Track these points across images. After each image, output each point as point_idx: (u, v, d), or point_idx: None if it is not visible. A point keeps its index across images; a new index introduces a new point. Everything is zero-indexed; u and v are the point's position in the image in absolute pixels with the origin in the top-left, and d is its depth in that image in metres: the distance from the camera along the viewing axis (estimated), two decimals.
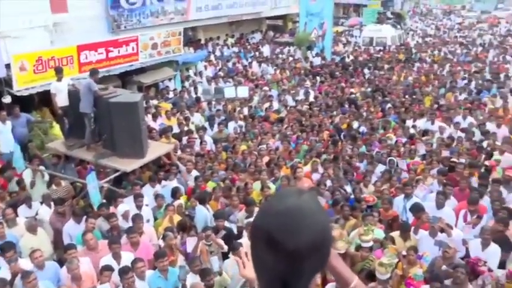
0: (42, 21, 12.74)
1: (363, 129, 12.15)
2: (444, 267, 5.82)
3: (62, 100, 9.08)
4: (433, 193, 7.79)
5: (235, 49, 22.87)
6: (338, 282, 1.57)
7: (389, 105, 13.94)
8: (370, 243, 6.26)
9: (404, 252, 5.98)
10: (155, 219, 7.79)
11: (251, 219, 6.24)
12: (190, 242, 6.63)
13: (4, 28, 11.47)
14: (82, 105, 8.50)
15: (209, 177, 8.98)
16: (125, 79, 14.66)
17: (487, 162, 9.10)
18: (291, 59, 21.50)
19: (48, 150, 9.87)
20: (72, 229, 7.10)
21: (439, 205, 7.29)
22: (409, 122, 12.20)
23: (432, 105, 14.07)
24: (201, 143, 10.84)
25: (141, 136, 8.59)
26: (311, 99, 15.11)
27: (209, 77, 17.22)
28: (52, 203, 7.71)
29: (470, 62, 20.89)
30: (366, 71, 19.63)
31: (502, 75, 17.53)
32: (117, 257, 6.18)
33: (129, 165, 8.60)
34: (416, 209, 7.07)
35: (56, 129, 10.64)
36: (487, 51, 23.27)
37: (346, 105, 14.24)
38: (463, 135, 10.93)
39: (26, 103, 11.24)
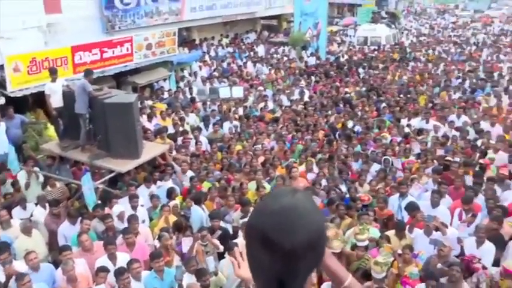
0: (36, 21, 12.68)
1: (357, 128, 12.18)
2: (439, 265, 5.84)
3: (56, 101, 9.04)
4: (428, 192, 7.83)
5: (230, 49, 22.85)
6: (333, 281, 1.57)
7: (384, 104, 13.99)
8: (366, 242, 6.27)
9: (399, 251, 6.00)
10: (151, 219, 7.78)
11: (246, 219, 6.24)
12: (186, 243, 6.62)
13: None
14: (77, 106, 8.47)
15: (204, 177, 8.98)
16: (119, 80, 14.61)
17: (481, 161, 9.15)
18: (285, 58, 21.50)
19: (43, 151, 9.82)
20: (67, 230, 7.06)
21: (434, 204, 7.33)
22: (404, 121, 12.25)
23: (427, 104, 14.14)
24: (196, 143, 10.81)
25: (136, 137, 8.57)
26: (306, 99, 15.12)
27: (204, 77, 17.19)
28: (47, 205, 7.68)
29: (464, 61, 21.00)
30: (360, 70, 19.67)
31: (495, 74, 17.64)
32: (112, 258, 6.16)
33: (124, 166, 8.58)
34: (412, 208, 7.10)
35: (51, 130, 10.59)
36: (480, 50, 23.40)
37: (341, 105, 14.27)
38: (457, 134, 11.00)
39: (20, 104, 11.19)
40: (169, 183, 8.58)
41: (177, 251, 6.67)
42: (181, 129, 11.50)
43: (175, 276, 5.85)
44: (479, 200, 7.56)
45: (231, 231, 7.34)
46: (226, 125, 12.25)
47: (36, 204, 7.86)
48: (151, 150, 9.27)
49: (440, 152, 9.92)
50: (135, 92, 13.06)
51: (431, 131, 11.39)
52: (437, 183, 8.12)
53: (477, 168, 8.87)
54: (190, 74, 17.88)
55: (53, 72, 9.25)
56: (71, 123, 9.01)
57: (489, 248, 6.22)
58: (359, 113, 13.32)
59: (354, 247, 6.31)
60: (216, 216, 7.19)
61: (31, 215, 7.58)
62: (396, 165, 9.58)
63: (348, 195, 8.29)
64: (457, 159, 9.20)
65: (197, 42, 22.63)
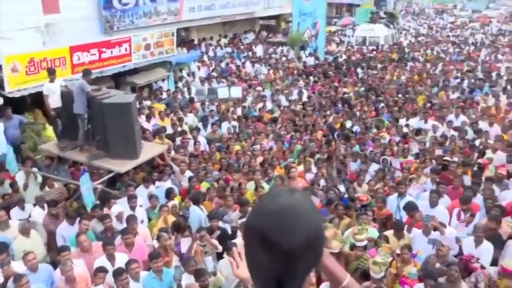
0: (34, 22, 12.67)
1: (356, 128, 12.19)
2: (438, 265, 5.84)
3: (54, 101, 9.03)
4: (427, 192, 7.83)
5: (229, 49, 22.86)
6: (331, 281, 1.57)
7: (382, 104, 13.99)
8: (364, 242, 6.27)
9: (398, 251, 6.00)
10: (149, 220, 7.76)
11: (245, 219, 6.24)
12: (185, 243, 6.62)
13: None
14: (76, 107, 8.46)
15: (203, 177, 8.97)
16: (118, 80, 14.60)
17: (479, 161, 9.16)
18: (284, 59, 21.51)
19: (41, 152, 9.80)
20: (65, 231, 7.05)
21: (433, 203, 7.32)
22: (402, 121, 12.25)
23: (425, 104, 14.14)
24: (194, 143, 10.81)
25: (134, 137, 8.56)
26: (304, 99, 15.13)
27: (202, 78, 17.20)
28: (45, 205, 7.67)
29: (463, 61, 21.03)
30: (359, 70, 19.67)
31: (494, 74, 17.67)
32: (111, 258, 6.15)
33: (122, 166, 8.57)
34: (410, 208, 7.10)
35: (49, 130, 10.58)
36: (479, 50, 23.43)
37: (340, 105, 14.28)
38: (455, 133, 11.01)
39: (18, 105, 11.17)
40: (168, 184, 8.57)
41: (175, 251, 6.67)
42: (179, 129, 11.50)
43: (174, 277, 5.85)
44: (478, 199, 7.56)
45: (229, 232, 7.34)
46: (225, 125, 12.25)
47: (34, 204, 7.84)
48: (149, 150, 9.27)
49: (438, 151, 9.92)
50: (133, 92, 13.04)
51: (429, 131, 11.39)
52: (436, 183, 8.13)
53: (475, 168, 8.87)
54: (188, 74, 17.87)
55: (51, 73, 9.24)
56: (69, 123, 9.01)
57: (487, 247, 6.23)
58: (357, 113, 13.32)
59: (353, 247, 6.31)
60: (215, 216, 7.19)
61: (29, 216, 7.57)
62: (395, 165, 9.58)
63: (346, 195, 8.30)
64: (456, 159, 9.21)
65: (196, 42, 22.61)
